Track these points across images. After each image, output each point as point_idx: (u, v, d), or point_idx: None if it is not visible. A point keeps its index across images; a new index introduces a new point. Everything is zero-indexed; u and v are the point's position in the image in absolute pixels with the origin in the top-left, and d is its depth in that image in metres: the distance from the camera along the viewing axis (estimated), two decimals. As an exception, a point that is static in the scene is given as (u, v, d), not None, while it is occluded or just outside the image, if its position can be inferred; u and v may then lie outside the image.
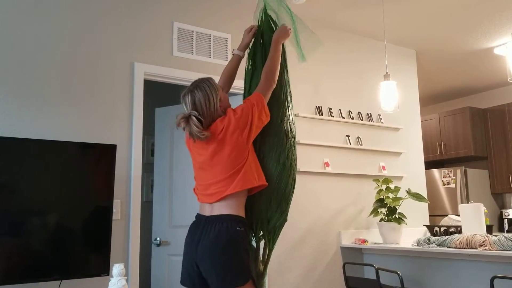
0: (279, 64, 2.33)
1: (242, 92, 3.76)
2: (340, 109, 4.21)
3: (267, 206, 2.28)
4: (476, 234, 3.07)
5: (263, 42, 2.49)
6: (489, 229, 3.57)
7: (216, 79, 3.50)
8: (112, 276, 2.15)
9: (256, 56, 2.48)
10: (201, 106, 2.15)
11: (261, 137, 2.30)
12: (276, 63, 2.31)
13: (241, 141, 2.11)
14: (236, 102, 3.74)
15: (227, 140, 2.11)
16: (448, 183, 5.94)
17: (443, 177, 6.01)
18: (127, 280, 2.81)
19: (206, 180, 2.16)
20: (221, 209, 2.10)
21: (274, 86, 2.28)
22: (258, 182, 2.14)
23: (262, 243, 2.38)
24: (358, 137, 4.26)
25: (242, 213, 2.12)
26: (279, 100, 2.37)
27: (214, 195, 2.11)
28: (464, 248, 3.04)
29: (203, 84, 2.19)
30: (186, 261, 2.13)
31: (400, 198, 3.87)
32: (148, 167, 4.37)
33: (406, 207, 4.10)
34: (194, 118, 2.10)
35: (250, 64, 2.51)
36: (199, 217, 2.18)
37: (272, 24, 2.53)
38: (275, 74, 2.28)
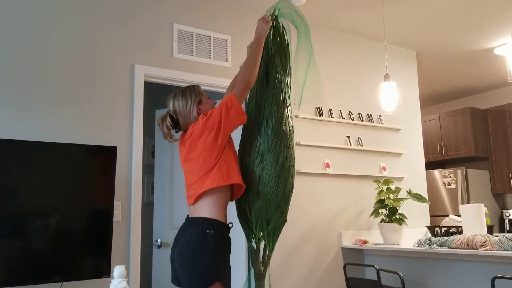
0: (258, 63, 2.35)
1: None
2: (340, 110, 4.21)
3: (267, 207, 2.28)
4: (477, 235, 3.07)
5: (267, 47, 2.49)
6: (490, 230, 3.56)
7: (216, 79, 3.55)
8: (113, 278, 2.15)
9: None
10: (178, 106, 2.31)
11: (261, 138, 2.31)
12: (254, 63, 2.32)
13: (209, 141, 2.17)
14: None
15: (196, 143, 2.20)
16: (449, 184, 5.94)
17: (444, 177, 6.01)
18: (128, 282, 2.81)
19: (187, 182, 2.27)
20: (198, 210, 2.18)
21: (252, 85, 2.30)
22: (228, 181, 2.17)
23: (262, 244, 2.38)
24: (359, 138, 4.26)
25: (217, 215, 2.16)
26: (278, 101, 2.37)
27: (192, 197, 2.20)
28: (465, 249, 3.04)
29: (186, 88, 2.36)
30: (171, 261, 2.24)
31: (401, 199, 3.87)
32: (148, 168, 4.37)
33: (406, 207, 4.10)
34: (168, 118, 2.28)
35: None
36: (186, 219, 2.28)
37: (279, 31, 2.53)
38: (251, 73, 2.29)
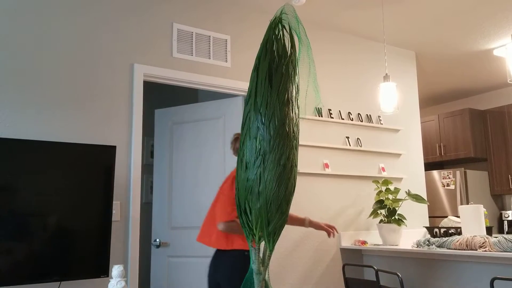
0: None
1: (243, 93, 3.76)
2: (339, 111, 4.21)
3: (267, 208, 2.28)
4: (476, 236, 3.07)
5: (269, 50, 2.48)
6: (489, 231, 3.56)
7: (215, 79, 3.55)
8: (111, 278, 2.14)
9: (260, 60, 2.46)
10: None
11: (262, 138, 2.30)
12: (235, 232, 2.62)
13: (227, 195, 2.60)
14: (236, 103, 3.74)
15: (222, 190, 2.66)
16: (448, 185, 5.94)
17: (443, 178, 6.01)
18: (126, 282, 2.81)
19: (206, 217, 2.71)
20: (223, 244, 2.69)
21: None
22: (231, 246, 2.56)
23: (262, 244, 2.38)
24: (358, 138, 4.26)
25: (242, 246, 2.63)
26: (282, 101, 2.36)
27: (205, 241, 2.69)
28: (464, 250, 3.04)
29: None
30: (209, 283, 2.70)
31: (400, 200, 3.87)
32: (147, 168, 4.36)
33: (405, 208, 4.10)
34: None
35: (254, 72, 2.49)
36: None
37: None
38: (230, 231, 2.60)
